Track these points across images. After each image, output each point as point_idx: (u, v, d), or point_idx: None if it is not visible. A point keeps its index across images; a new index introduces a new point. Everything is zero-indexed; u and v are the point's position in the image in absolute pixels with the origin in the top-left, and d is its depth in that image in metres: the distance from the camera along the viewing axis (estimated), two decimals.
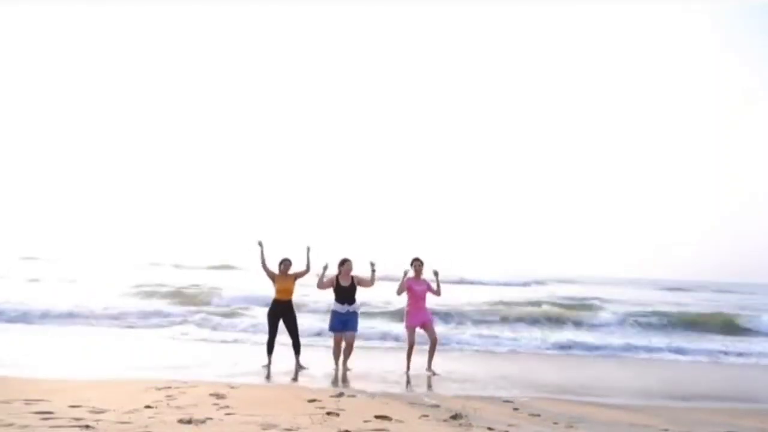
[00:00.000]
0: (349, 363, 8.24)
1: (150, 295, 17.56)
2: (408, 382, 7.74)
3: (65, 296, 15.65)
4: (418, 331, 8.46)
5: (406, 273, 8.41)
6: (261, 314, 11.83)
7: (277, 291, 8.39)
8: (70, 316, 13.09)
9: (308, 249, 8.45)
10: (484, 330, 13.04)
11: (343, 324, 8.12)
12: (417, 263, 8.40)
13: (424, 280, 8.50)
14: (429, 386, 7.49)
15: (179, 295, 17.52)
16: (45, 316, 12.96)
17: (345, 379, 7.71)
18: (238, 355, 9.43)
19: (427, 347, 8.42)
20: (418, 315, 8.38)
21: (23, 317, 12.85)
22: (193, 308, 14.64)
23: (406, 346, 8.52)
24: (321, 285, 8.24)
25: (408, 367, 8.29)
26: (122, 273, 25.73)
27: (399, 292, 8.49)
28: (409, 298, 8.42)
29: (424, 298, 8.43)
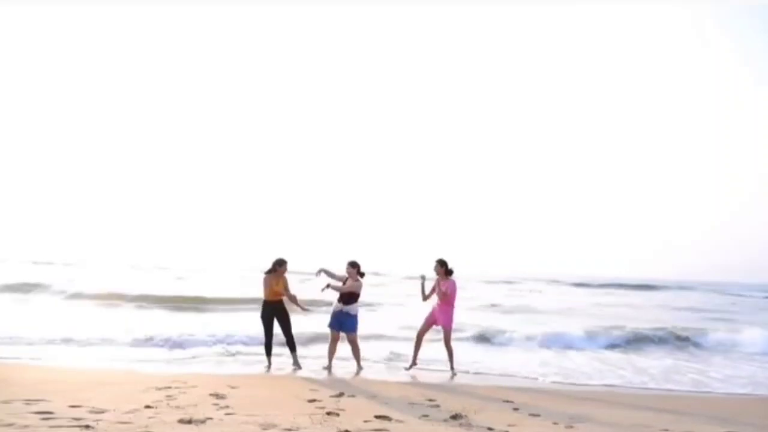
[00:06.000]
0: (344, 364, 8.35)
1: (152, 298, 17.52)
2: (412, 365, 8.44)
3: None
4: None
5: (423, 279, 8.49)
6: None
7: (268, 293, 8.38)
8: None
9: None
10: None
11: (339, 324, 8.17)
12: (436, 264, 8.42)
13: (447, 282, 8.39)
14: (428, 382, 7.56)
15: (180, 298, 17.51)
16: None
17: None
18: (238, 356, 9.41)
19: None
20: (436, 314, 8.43)
21: None
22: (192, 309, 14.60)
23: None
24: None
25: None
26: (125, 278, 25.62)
27: (423, 299, 8.58)
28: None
29: (442, 299, 8.40)
